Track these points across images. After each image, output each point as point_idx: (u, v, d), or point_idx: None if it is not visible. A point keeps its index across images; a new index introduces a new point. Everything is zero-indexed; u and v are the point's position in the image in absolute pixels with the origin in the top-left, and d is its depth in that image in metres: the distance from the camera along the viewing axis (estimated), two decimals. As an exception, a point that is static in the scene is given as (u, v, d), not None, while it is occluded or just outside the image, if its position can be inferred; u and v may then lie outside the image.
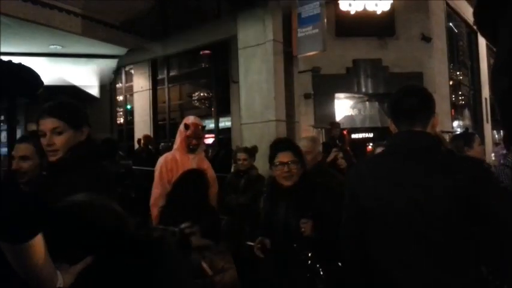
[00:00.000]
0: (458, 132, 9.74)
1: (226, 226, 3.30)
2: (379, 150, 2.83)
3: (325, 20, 5.92)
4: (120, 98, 12.36)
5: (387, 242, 1.45)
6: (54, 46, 7.47)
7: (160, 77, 11.06)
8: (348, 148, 5.92)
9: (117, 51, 8.14)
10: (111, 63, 8.79)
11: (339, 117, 8.68)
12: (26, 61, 4.57)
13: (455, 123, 11.21)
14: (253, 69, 5.95)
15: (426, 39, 8.74)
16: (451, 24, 11.14)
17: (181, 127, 3.24)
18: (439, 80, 9.14)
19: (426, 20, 8.92)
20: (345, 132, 8.34)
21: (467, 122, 12.02)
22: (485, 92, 12.54)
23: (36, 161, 1.95)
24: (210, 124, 9.93)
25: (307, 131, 7.34)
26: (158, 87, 11.07)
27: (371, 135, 8.99)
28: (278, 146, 2.35)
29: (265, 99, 5.77)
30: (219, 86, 9.80)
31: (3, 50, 6.02)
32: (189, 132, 3.19)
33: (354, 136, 9.04)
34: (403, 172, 1.43)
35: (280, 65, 5.87)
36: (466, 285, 1.35)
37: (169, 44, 8.99)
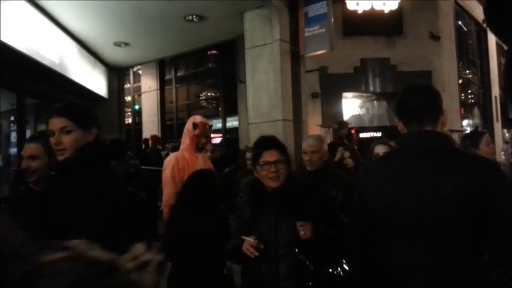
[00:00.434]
0: (467, 131, 9.66)
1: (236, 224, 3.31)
2: (378, 148, 2.79)
3: (332, 20, 5.89)
4: (128, 98, 12.46)
5: (394, 242, 1.44)
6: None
7: (167, 77, 11.12)
8: (356, 147, 5.90)
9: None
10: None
11: (346, 116, 8.64)
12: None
13: (465, 122, 11.10)
14: (260, 69, 5.95)
15: (435, 37, 8.66)
16: (460, 22, 11.03)
17: (189, 126, 3.25)
18: (448, 78, 9.06)
19: (435, 19, 8.83)
20: (353, 131, 8.30)
21: (477, 121, 11.89)
22: (495, 90, 12.40)
23: (44, 160, 1.97)
24: (218, 124, 9.97)
25: (314, 130, 7.32)
26: (166, 88, 11.13)
27: (379, 134, 8.94)
28: (263, 144, 2.15)
29: (272, 99, 5.76)
30: (226, 86, 9.83)
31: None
32: (197, 131, 3.21)
33: (362, 135, 9.00)
34: (412, 172, 1.41)
35: (287, 64, 5.85)
36: (472, 285, 1.34)
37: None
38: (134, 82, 12.61)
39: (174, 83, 10.97)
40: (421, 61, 8.54)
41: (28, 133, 6.09)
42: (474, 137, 3.00)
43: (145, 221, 3.78)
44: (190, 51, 8.83)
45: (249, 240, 1.90)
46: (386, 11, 8.51)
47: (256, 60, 5.99)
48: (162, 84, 11.06)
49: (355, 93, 9.06)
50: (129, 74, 12.15)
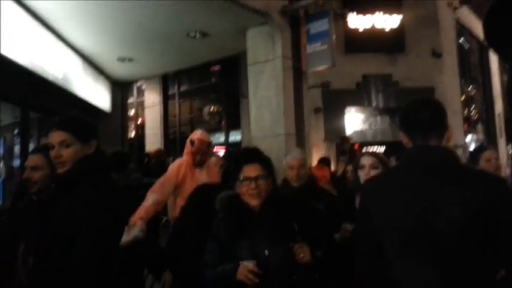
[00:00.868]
0: (472, 146, 9.65)
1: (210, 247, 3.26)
2: (364, 159, 2.59)
3: (334, 36, 5.96)
4: (132, 112, 12.54)
5: (401, 259, 1.41)
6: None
7: (171, 92, 11.20)
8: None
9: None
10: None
11: (349, 131, 8.65)
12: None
13: (468, 138, 11.07)
14: (262, 85, 5.99)
15: (436, 55, 8.71)
16: (461, 40, 11.12)
17: (188, 141, 3.27)
18: (451, 94, 9.08)
19: (436, 36, 8.91)
20: (356, 146, 8.28)
21: (481, 136, 11.86)
22: (498, 106, 12.40)
23: (46, 172, 1.99)
24: (221, 138, 10.00)
25: (317, 145, 7.32)
26: (169, 102, 11.21)
27: (383, 148, 8.92)
28: (243, 157, 1.94)
29: (274, 114, 5.79)
30: (229, 101, 9.88)
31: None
32: (193, 148, 3.22)
33: (365, 150, 8.97)
34: (415, 188, 1.39)
35: (289, 80, 5.90)
36: None
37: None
38: (138, 96, 12.72)
39: (177, 98, 11.04)
40: (423, 77, 8.57)
41: (31, 146, 6.12)
42: (473, 154, 2.95)
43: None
44: (194, 67, 8.92)
45: (247, 265, 1.67)
46: (387, 30, 8.61)
47: (259, 76, 6.04)
48: (166, 98, 11.14)
49: (358, 108, 9.08)
50: (132, 89, 12.26)
